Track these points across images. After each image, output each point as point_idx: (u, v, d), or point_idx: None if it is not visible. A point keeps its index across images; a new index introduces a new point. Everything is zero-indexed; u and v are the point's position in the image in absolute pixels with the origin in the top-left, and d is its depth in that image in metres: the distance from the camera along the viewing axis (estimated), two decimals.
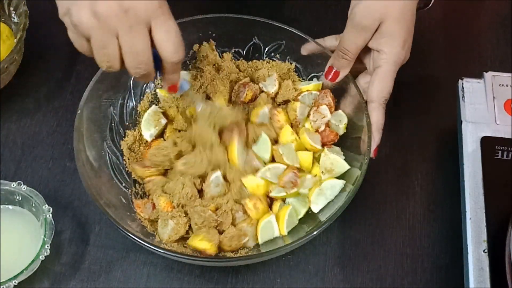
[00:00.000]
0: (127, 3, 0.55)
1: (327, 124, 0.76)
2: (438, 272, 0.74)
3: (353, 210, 0.68)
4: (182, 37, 0.60)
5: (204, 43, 0.81)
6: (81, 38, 0.58)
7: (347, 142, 0.76)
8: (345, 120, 0.76)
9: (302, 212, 0.72)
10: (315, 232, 0.65)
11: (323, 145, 0.76)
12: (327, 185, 0.72)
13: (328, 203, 0.71)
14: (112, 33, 0.56)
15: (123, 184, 0.74)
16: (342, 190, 0.71)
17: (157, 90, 0.81)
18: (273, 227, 0.70)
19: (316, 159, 0.75)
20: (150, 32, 0.58)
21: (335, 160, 0.73)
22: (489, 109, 0.78)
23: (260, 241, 0.70)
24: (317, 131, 0.77)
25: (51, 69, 0.90)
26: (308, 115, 0.78)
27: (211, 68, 0.80)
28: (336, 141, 0.76)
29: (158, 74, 0.64)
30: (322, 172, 0.73)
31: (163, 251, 0.64)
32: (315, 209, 0.71)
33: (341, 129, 0.76)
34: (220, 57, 0.83)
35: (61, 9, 0.58)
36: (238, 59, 0.84)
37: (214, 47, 0.81)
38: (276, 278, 0.74)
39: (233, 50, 0.83)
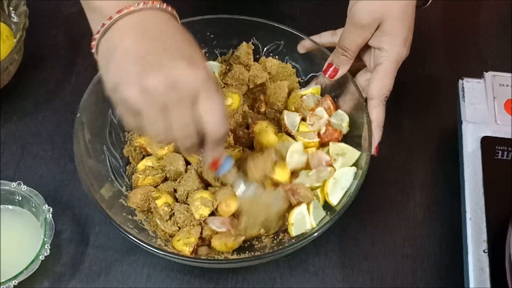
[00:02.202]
0: (175, 77, 0.54)
1: (328, 125, 0.76)
2: (438, 272, 0.74)
3: (353, 210, 0.68)
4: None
5: (244, 43, 0.81)
6: (130, 114, 0.57)
7: (347, 141, 0.76)
8: (346, 119, 0.76)
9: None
10: (315, 234, 0.65)
11: (327, 144, 0.76)
12: (339, 174, 0.72)
13: (345, 192, 0.71)
14: (160, 108, 0.55)
15: (123, 187, 0.74)
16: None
17: None
18: (305, 219, 0.70)
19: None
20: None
21: (344, 146, 0.73)
22: (489, 109, 0.78)
23: (294, 233, 0.70)
24: (319, 134, 0.77)
25: (51, 69, 0.90)
26: (305, 119, 0.78)
27: (242, 68, 0.80)
28: (340, 139, 0.76)
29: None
30: (334, 159, 0.73)
31: (164, 252, 0.64)
32: (334, 201, 0.70)
33: (344, 127, 0.76)
34: (220, 56, 0.83)
35: (108, 84, 0.57)
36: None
37: (251, 51, 0.81)
38: (276, 278, 0.74)
39: (231, 51, 0.83)
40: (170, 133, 0.57)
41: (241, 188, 0.69)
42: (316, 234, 0.65)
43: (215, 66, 0.81)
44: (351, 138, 0.75)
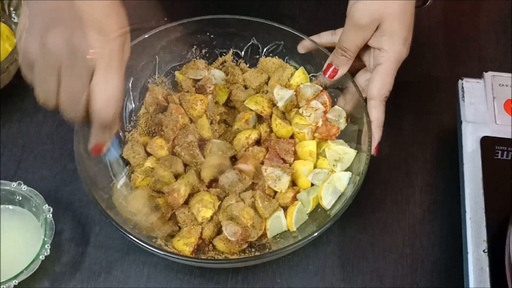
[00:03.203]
0: (76, 44, 0.52)
1: (326, 121, 0.77)
2: (438, 272, 0.74)
3: (353, 210, 0.68)
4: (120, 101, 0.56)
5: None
6: (26, 66, 0.55)
7: (345, 137, 0.76)
8: (343, 114, 0.76)
9: (309, 208, 0.73)
10: (315, 234, 0.65)
11: (326, 139, 0.76)
12: (335, 177, 0.72)
13: (339, 196, 0.71)
14: (54, 67, 0.53)
15: (124, 187, 0.74)
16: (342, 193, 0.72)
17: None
18: (281, 222, 0.71)
19: (320, 154, 0.76)
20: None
21: (340, 149, 0.73)
22: (489, 109, 0.78)
23: (270, 235, 0.71)
24: (316, 129, 0.77)
25: None
26: (300, 112, 0.78)
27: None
28: (337, 135, 0.76)
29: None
30: (333, 165, 0.73)
31: (164, 252, 0.64)
32: (327, 204, 0.71)
33: (342, 123, 0.76)
34: (220, 56, 0.84)
35: (16, 34, 0.57)
36: (237, 60, 0.84)
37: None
38: (276, 278, 0.74)
39: (231, 51, 0.83)
40: (56, 96, 0.55)
41: (120, 183, 0.71)
42: (316, 234, 0.65)
43: (217, 75, 0.82)
44: (351, 136, 0.76)
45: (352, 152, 0.73)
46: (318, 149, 0.76)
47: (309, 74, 0.81)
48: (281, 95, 0.78)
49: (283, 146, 0.75)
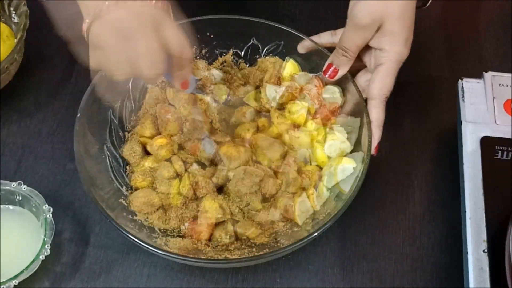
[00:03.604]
0: (136, 8, 0.60)
1: (321, 102, 0.77)
2: (438, 272, 0.74)
3: (353, 210, 0.68)
4: None
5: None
6: (94, 49, 0.61)
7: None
8: (338, 89, 0.77)
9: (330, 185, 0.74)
10: (315, 234, 0.65)
11: (323, 124, 0.77)
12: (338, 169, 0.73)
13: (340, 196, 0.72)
14: (125, 38, 0.59)
15: (124, 187, 0.74)
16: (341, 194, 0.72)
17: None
18: (307, 205, 0.72)
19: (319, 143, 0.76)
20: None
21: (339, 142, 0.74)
22: (489, 109, 0.78)
23: (300, 222, 0.71)
24: (315, 113, 0.77)
25: (51, 69, 0.90)
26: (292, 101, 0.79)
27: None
28: (335, 115, 0.77)
29: (166, 77, 0.68)
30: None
31: (164, 252, 0.64)
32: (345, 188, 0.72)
33: (338, 98, 0.77)
34: (220, 56, 0.84)
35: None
36: (237, 60, 0.84)
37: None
38: (276, 278, 0.74)
39: (231, 51, 0.83)
40: (135, 62, 0.60)
41: (211, 101, 0.77)
42: (316, 234, 0.65)
43: (217, 74, 0.82)
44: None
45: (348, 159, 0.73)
46: (318, 134, 0.77)
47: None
48: (272, 95, 0.78)
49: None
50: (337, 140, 0.74)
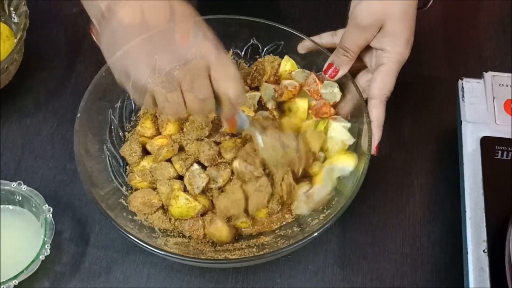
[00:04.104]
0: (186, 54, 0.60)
1: (320, 98, 0.77)
2: (438, 272, 0.74)
3: (353, 210, 0.68)
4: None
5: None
6: (146, 96, 0.62)
7: None
8: (335, 85, 0.77)
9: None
10: (315, 234, 0.65)
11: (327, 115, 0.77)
12: (334, 169, 0.73)
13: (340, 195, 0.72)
14: (179, 83, 0.60)
15: (123, 187, 0.74)
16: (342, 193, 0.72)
17: None
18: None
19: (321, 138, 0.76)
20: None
21: (342, 132, 0.74)
22: (489, 109, 0.78)
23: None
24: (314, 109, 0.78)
25: (51, 69, 0.90)
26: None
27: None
28: (331, 114, 0.76)
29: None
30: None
31: (163, 252, 0.64)
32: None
33: (337, 93, 0.77)
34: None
35: (117, 73, 0.62)
36: (237, 60, 0.84)
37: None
38: (276, 278, 0.74)
39: (231, 51, 0.83)
40: (183, 108, 0.61)
41: (260, 139, 0.71)
42: (316, 234, 0.65)
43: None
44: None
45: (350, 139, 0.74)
46: (318, 128, 0.77)
47: None
48: (271, 94, 0.78)
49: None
50: (338, 132, 0.74)
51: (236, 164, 0.72)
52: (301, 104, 0.77)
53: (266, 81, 0.80)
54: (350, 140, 0.74)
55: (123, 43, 0.59)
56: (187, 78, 0.60)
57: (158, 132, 0.77)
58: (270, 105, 0.79)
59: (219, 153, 0.74)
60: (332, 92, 0.77)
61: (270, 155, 0.71)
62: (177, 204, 0.71)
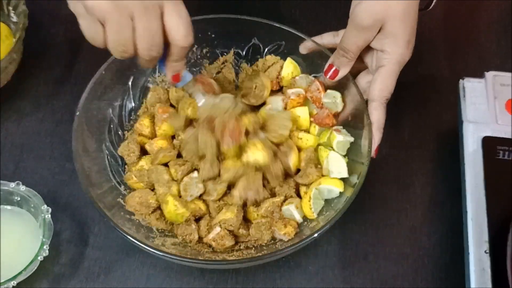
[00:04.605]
0: None
1: (321, 107, 0.77)
2: (439, 273, 0.74)
3: (353, 210, 0.68)
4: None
5: None
6: (95, 24, 0.58)
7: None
8: (338, 95, 0.76)
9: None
10: (315, 235, 0.65)
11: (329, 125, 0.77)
12: (324, 189, 0.72)
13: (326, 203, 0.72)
14: (128, 16, 0.57)
15: (122, 186, 0.74)
16: (342, 193, 0.72)
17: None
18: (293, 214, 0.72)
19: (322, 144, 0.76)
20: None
21: (339, 163, 0.73)
22: (490, 109, 0.77)
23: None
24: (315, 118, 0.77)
25: (50, 69, 0.90)
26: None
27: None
28: (333, 124, 0.76)
29: (160, 67, 0.65)
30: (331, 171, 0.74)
31: (162, 253, 0.64)
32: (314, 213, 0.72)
33: (339, 104, 0.76)
34: (221, 56, 0.84)
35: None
36: (238, 60, 0.84)
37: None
38: (276, 278, 0.74)
39: (232, 51, 0.83)
40: (134, 42, 0.58)
41: (200, 99, 0.73)
42: (316, 235, 0.65)
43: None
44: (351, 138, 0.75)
45: (344, 173, 0.73)
46: (320, 138, 0.76)
47: (310, 75, 0.81)
48: (280, 106, 0.78)
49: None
50: (342, 136, 0.74)
51: (237, 193, 0.71)
52: (302, 113, 0.76)
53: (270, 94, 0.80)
54: (345, 174, 0.73)
55: None
56: (140, 8, 0.57)
57: (155, 132, 0.77)
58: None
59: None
60: (334, 102, 0.76)
61: (210, 114, 0.71)
62: (167, 209, 0.70)
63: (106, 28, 0.58)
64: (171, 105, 0.80)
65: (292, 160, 0.73)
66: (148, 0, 0.57)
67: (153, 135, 0.77)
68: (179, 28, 0.60)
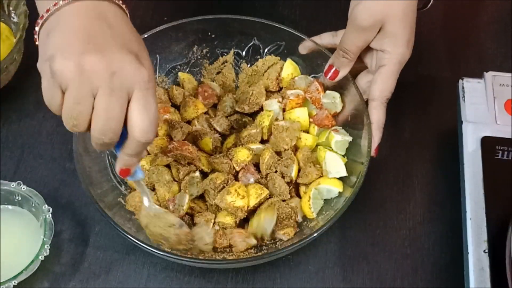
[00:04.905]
0: (116, 66, 0.52)
1: (320, 108, 0.77)
2: (438, 272, 0.74)
3: (353, 210, 0.68)
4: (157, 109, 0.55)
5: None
6: (55, 89, 0.53)
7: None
8: (337, 95, 0.76)
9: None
10: (315, 235, 0.65)
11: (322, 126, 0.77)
12: (323, 188, 0.72)
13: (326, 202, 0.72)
14: (90, 90, 0.52)
15: (123, 186, 0.74)
16: (342, 193, 0.72)
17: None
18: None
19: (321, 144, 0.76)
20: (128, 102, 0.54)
21: (336, 163, 0.73)
22: (490, 109, 0.77)
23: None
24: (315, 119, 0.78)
25: None
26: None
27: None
28: (332, 125, 0.76)
29: (116, 150, 0.58)
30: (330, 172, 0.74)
31: (163, 253, 0.64)
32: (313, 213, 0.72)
33: (338, 104, 0.76)
34: (221, 56, 0.84)
35: (43, 55, 0.54)
36: (238, 60, 0.84)
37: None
38: (276, 278, 0.74)
39: (232, 51, 0.83)
40: (91, 120, 0.53)
41: (146, 202, 0.66)
42: (315, 234, 0.65)
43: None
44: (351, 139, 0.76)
45: (343, 172, 0.73)
46: (319, 138, 0.77)
47: (310, 75, 0.81)
48: (276, 111, 0.78)
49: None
50: (341, 136, 0.74)
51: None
52: (301, 114, 0.77)
53: (266, 90, 0.80)
54: (343, 173, 0.73)
55: (63, 29, 0.54)
56: (106, 88, 0.52)
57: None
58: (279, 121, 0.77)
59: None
60: (333, 102, 0.76)
61: (151, 220, 0.67)
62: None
63: (64, 96, 0.53)
64: (173, 105, 0.80)
65: (294, 171, 0.73)
66: (117, 81, 0.52)
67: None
68: (141, 122, 0.53)
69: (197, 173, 0.73)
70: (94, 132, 0.54)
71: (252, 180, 0.72)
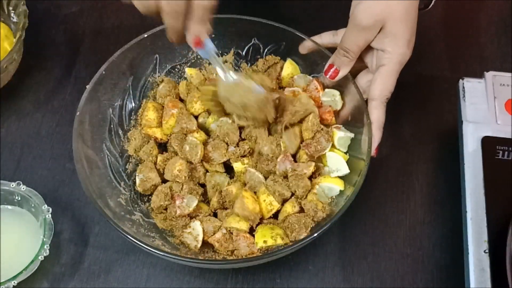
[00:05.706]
0: None
1: (320, 106, 0.77)
2: (438, 273, 0.74)
3: (353, 210, 0.68)
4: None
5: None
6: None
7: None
8: (337, 93, 0.76)
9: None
10: (315, 235, 0.65)
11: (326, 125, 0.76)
12: (325, 187, 0.72)
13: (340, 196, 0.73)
14: None
15: (122, 186, 0.74)
16: (342, 193, 0.72)
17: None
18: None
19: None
20: None
21: (337, 161, 0.73)
22: (490, 109, 0.77)
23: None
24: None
25: (50, 69, 0.90)
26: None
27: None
28: (332, 120, 0.76)
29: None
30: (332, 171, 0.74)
31: (162, 253, 0.64)
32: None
33: (338, 102, 0.76)
34: (221, 56, 0.84)
35: None
36: (238, 60, 0.84)
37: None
38: (276, 278, 0.74)
39: (233, 51, 0.83)
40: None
41: (222, 75, 0.70)
42: (316, 234, 0.65)
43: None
44: (352, 139, 0.75)
45: (345, 170, 0.73)
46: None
47: (310, 74, 0.81)
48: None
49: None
50: (343, 132, 0.74)
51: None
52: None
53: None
54: (345, 171, 0.73)
55: None
56: None
57: (160, 120, 0.77)
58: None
59: None
60: (333, 100, 0.76)
61: (231, 91, 0.70)
62: None
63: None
64: (181, 100, 0.80)
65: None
66: None
67: (159, 124, 0.77)
68: None
69: (191, 138, 0.74)
70: (164, 10, 0.60)
71: (289, 166, 0.72)
